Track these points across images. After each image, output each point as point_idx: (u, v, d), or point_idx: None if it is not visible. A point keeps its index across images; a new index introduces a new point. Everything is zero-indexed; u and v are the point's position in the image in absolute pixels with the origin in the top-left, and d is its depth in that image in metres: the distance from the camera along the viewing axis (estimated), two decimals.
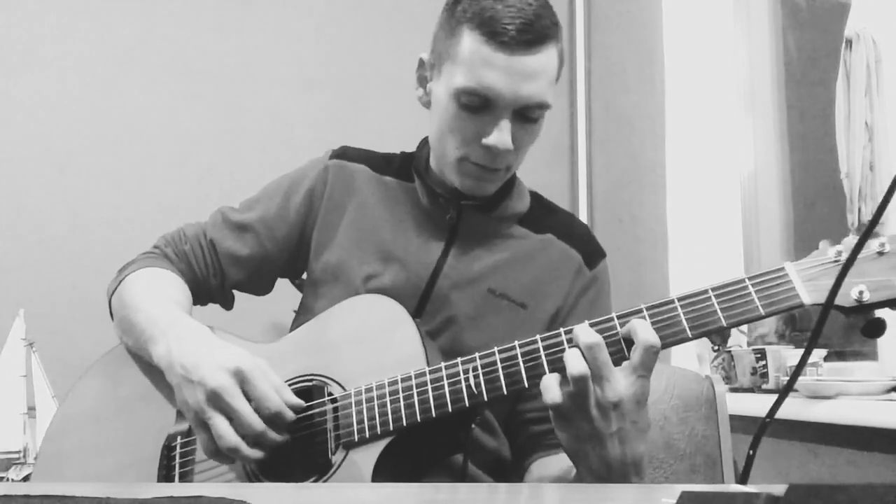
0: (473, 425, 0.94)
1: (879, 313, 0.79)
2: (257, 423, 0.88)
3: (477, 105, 0.99)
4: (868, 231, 0.76)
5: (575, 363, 0.81)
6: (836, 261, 0.80)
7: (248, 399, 0.90)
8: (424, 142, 1.16)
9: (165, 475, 0.98)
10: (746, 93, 2.51)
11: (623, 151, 2.57)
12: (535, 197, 1.18)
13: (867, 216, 1.84)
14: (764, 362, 1.91)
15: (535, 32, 0.96)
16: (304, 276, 1.18)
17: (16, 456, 1.75)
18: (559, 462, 1.01)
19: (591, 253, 1.13)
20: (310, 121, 2.35)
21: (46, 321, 1.95)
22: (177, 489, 0.76)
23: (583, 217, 2.52)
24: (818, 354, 1.87)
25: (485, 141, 0.99)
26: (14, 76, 2.18)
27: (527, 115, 1.00)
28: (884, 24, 1.89)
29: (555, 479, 0.99)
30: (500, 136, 0.99)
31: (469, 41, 0.97)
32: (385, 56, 2.42)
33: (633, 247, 2.51)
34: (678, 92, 2.51)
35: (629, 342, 0.82)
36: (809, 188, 2.42)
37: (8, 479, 1.72)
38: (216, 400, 0.89)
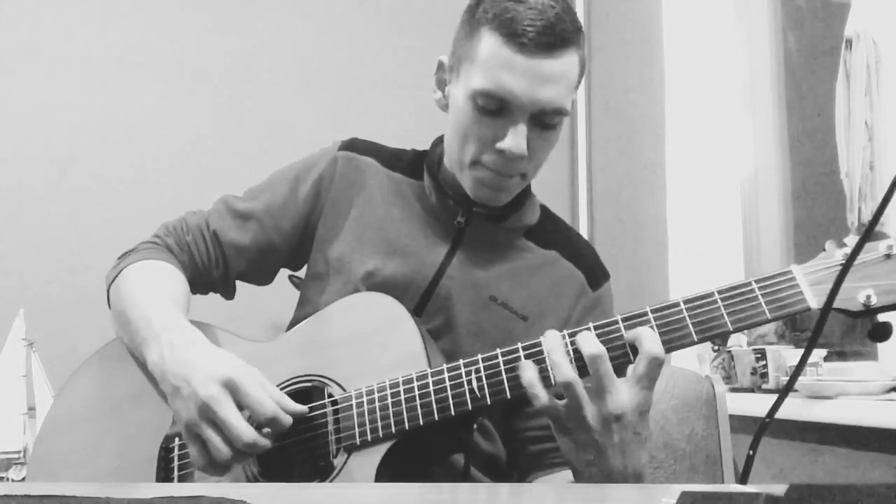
0: (476, 426, 0.93)
1: (886, 317, 0.78)
2: (246, 434, 0.86)
3: (493, 108, 0.97)
4: (868, 232, 0.75)
5: (562, 372, 0.80)
6: (843, 263, 0.78)
7: (242, 408, 0.88)
8: (438, 141, 1.14)
9: (164, 478, 0.97)
10: (746, 93, 2.51)
11: (623, 151, 2.57)
12: (545, 211, 1.16)
13: (867, 216, 1.84)
14: (764, 362, 1.90)
15: (556, 36, 0.94)
16: (305, 268, 1.17)
17: (16, 456, 1.75)
18: (559, 480, 1.00)
19: (595, 274, 1.11)
20: (310, 121, 2.35)
21: (46, 321, 1.95)
22: (177, 489, 0.76)
23: (583, 217, 2.51)
24: (818, 354, 1.86)
25: (499, 145, 0.97)
26: (14, 76, 2.18)
27: (544, 120, 0.98)
28: (884, 24, 1.89)
29: None
30: (515, 140, 0.96)
31: (488, 42, 0.95)
32: (385, 56, 2.42)
33: (633, 247, 2.51)
34: (678, 92, 2.51)
35: (634, 348, 0.81)
36: (809, 188, 2.41)
37: (8, 479, 1.72)
38: (206, 411, 0.87)
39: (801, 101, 2.43)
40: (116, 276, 1.09)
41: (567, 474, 0.96)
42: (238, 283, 1.19)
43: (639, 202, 2.53)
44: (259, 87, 2.35)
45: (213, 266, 1.13)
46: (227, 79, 2.33)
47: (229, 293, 1.18)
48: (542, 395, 0.82)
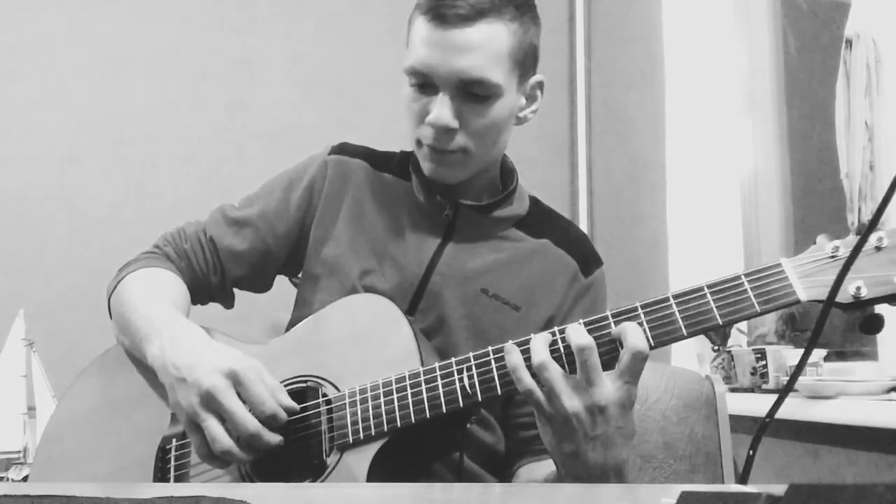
0: (469, 424, 0.94)
1: (880, 310, 0.78)
2: (251, 424, 0.87)
3: (421, 84, 1.01)
4: (868, 231, 0.75)
5: (537, 353, 0.82)
6: (832, 256, 0.79)
7: (243, 401, 0.89)
8: None
9: (161, 478, 0.97)
10: (746, 93, 2.51)
11: (623, 151, 2.57)
12: (535, 202, 1.17)
13: (867, 216, 1.84)
14: (764, 362, 1.90)
15: (469, 6, 0.96)
16: (301, 272, 1.18)
17: (16, 456, 1.75)
18: (546, 468, 1.00)
19: (588, 260, 1.11)
20: (310, 121, 2.35)
21: (46, 321, 1.95)
22: (177, 489, 0.76)
23: (583, 217, 2.52)
24: (818, 354, 1.86)
25: (427, 119, 1.00)
26: (14, 76, 2.18)
27: (471, 91, 0.99)
28: (884, 24, 1.89)
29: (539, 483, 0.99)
30: (438, 111, 0.99)
31: (416, 25, 1.00)
32: (385, 56, 2.42)
33: (633, 247, 2.51)
34: (678, 92, 2.51)
35: (622, 343, 0.82)
36: (809, 188, 2.41)
37: (8, 479, 1.72)
38: (209, 401, 0.88)
39: (801, 102, 2.43)
40: (116, 285, 1.11)
41: (552, 463, 0.97)
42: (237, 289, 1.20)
43: (638, 201, 2.53)
44: (259, 87, 2.35)
45: (211, 272, 1.15)
46: (228, 79, 2.33)
47: (228, 301, 1.19)
48: (525, 379, 0.83)
